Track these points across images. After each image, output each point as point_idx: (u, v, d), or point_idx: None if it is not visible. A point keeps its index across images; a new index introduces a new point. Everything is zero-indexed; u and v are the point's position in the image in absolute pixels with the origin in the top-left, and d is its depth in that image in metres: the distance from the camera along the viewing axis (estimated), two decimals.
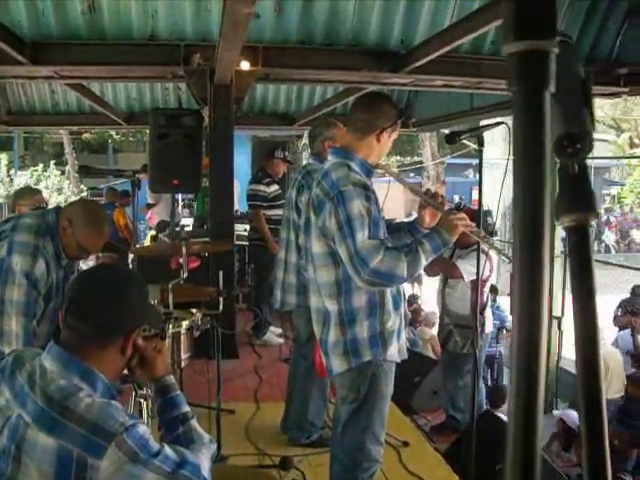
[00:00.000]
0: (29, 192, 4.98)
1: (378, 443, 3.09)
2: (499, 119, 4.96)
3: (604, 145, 26.06)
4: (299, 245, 4.24)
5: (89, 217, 3.01)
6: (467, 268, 5.31)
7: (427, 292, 12.27)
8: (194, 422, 1.96)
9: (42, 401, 1.67)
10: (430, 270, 5.71)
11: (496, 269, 5.80)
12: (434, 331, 9.04)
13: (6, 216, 10.11)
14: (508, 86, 0.55)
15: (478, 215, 3.13)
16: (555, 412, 7.08)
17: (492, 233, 5.54)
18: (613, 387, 7.74)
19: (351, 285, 2.86)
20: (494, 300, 8.39)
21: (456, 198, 19.30)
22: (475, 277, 5.34)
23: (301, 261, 4.21)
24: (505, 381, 8.12)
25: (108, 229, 3.14)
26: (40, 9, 5.44)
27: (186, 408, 1.99)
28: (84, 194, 20.75)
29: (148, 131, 7.10)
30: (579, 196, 0.59)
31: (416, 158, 24.75)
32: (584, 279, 0.57)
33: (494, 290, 6.60)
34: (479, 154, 3.09)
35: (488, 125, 3.27)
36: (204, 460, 1.84)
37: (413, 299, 11.08)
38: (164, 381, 2.01)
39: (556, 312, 10.08)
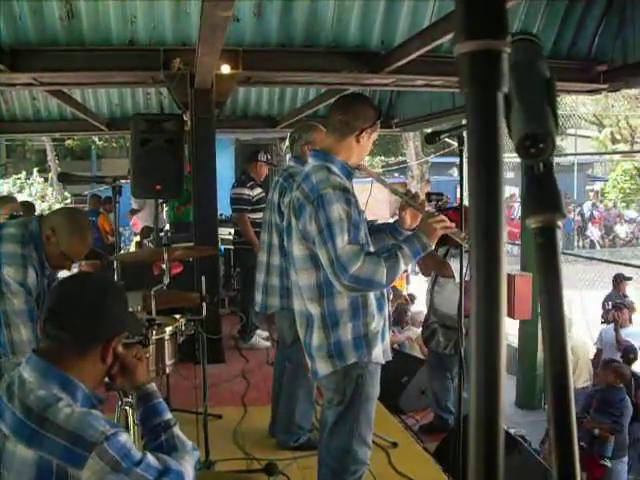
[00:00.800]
0: (4, 200, 4.94)
1: (365, 445, 3.08)
2: None
3: (586, 141, 26.23)
4: (283, 247, 4.22)
5: (72, 226, 3.01)
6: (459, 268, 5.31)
7: (414, 291, 12.30)
8: (177, 429, 1.95)
9: (20, 412, 1.65)
10: (425, 269, 5.70)
11: None
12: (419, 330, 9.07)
13: None
14: (459, 87, 0.54)
15: (461, 214, 3.13)
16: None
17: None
18: (582, 377, 7.83)
19: (333, 288, 2.85)
20: None
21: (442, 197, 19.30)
22: (468, 277, 5.39)
23: (285, 263, 4.19)
24: None
25: (91, 237, 3.14)
26: (17, 15, 5.41)
27: (168, 415, 1.97)
28: (68, 201, 20.64)
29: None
30: (545, 196, 0.58)
31: (400, 158, 24.80)
32: (551, 280, 0.56)
33: None
34: (460, 153, 3.09)
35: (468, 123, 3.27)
36: (187, 467, 1.82)
37: (409, 299, 11.07)
38: (146, 389, 1.99)
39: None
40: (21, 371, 1.75)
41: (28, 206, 7.76)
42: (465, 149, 3.17)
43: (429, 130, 14.23)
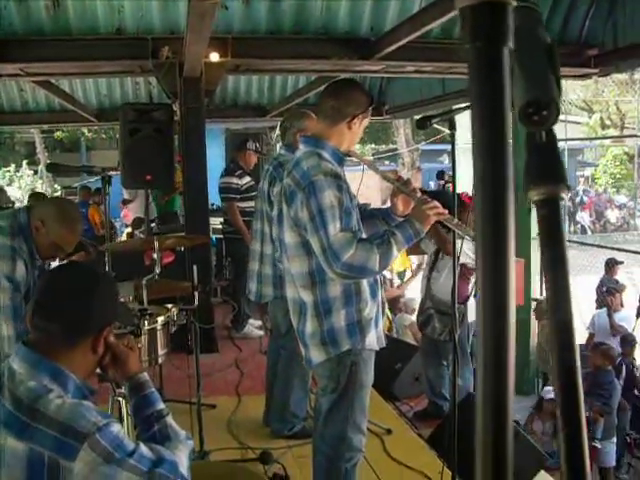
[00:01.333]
0: None
1: (360, 432, 3.07)
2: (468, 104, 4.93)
3: (576, 127, 26.20)
4: (273, 237, 4.20)
5: (61, 215, 2.99)
6: (464, 250, 5.29)
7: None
8: (170, 419, 1.93)
9: (10, 404, 1.63)
10: (412, 249, 5.67)
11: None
12: (413, 317, 9.06)
13: None
14: (461, 44, 0.50)
15: (453, 198, 3.11)
16: (547, 388, 7.15)
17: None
18: None
19: (325, 275, 2.83)
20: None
21: (432, 184, 19.28)
22: (467, 261, 5.38)
23: (276, 253, 4.17)
24: None
25: (81, 226, 3.12)
26: (2, 5, 5.34)
27: (161, 405, 1.95)
28: (58, 193, 20.52)
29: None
30: (548, 167, 0.55)
31: (391, 145, 24.76)
32: (556, 255, 0.54)
33: None
34: (451, 138, 3.06)
35: (459, 108, 3.25)
36: (182, 457, 1.81)
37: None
38: (137, 379, 1.97)
39: (534, 294, 10.16)
40: (10, 363, 1.72)
41: (37, 197, 7.71)
42: (456, 134, 3.15)
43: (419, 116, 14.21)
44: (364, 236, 2.84)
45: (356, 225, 2.85)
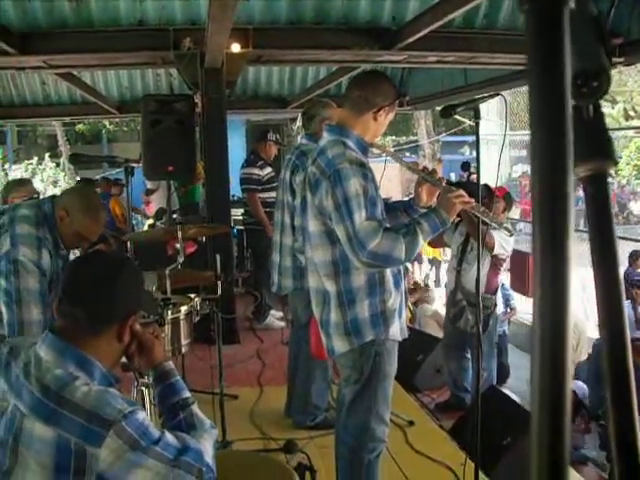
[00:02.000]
0: (20, 184, 4.92)
1: (383, 423, 3.06)
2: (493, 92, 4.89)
3: None
4: (294, 227, 4.18)
5: (85, 204, 3.00)
6: (500, 241, 5.29)
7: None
8: (195, 407, 1.93)
9: (38, 391, 1.63)
10: (437, 241, 5.65)
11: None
12: (435, 307, 9.05)
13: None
14: (519, 5, 0.46)
15: (477, 189, 3.07)
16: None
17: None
18: (585, 350, 7.88)
19: (349, 264, 2.82)
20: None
21: (452, 176, 19.18)
22: (502, 252, 5.36)
23: (296, 244, 4.15)
24: (510, 359, 8.15)
25: (104, 215, 3.15)
26: None
27: (186, 394, 1.95)
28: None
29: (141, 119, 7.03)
30: (595, 142, 0.52)
31: (411, 137, 24.65)
32: (604, 236, 0.51)
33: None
34: (476, 127, 3.03)
35: (483, 97, 3.21)
36: (207, 446, 1.81)
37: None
38: (163, 367, 1.97)
39: None
40: (37, 350, 1.73)
41: (88, 182, 7.71)
42: (483, 123, 3.11)
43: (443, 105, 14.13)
44: (389, 226, 2.83)
45: (381, 214, 2.83)
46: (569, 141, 0.42)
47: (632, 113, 28.88)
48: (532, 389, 0.46)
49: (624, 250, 11.75)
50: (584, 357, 7.90)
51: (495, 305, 5.56)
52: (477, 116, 3.00)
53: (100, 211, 3.07)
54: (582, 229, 15.45)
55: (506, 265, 6.12)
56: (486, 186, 5.18)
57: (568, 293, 0.44)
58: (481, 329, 5.35)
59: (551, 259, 0.43)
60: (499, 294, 5.74)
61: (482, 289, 5.36)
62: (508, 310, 8.48)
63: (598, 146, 0.52)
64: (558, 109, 0.42)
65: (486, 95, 3.38)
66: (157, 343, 1.98)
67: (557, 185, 0.43)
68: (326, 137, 2.97)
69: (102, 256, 2.18)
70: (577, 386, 6.83)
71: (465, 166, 7.37)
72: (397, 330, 2.98)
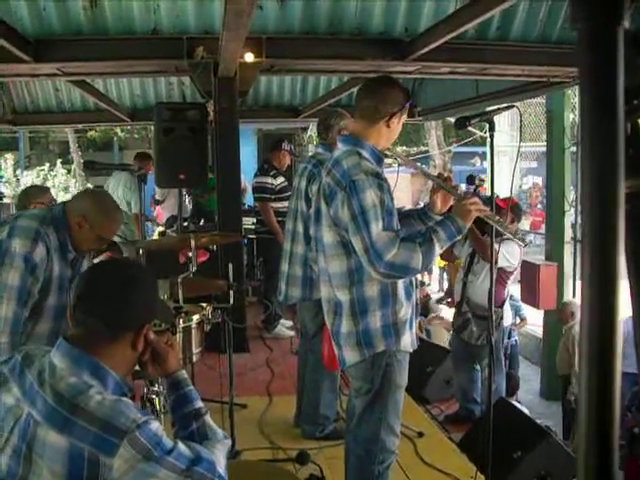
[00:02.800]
0: (43, 190, 4.92)
1: (393, 434, 3.05)
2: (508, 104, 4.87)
3: None
4: (309, 236, 4.16)
5: (102, 207, 3.00)
6: (505, 254, 5.24)
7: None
8: (208, 418, 1.93)
9: (52, 399, 1.63)
10: (447, 254, 5.63)
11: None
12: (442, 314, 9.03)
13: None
14: (571, 22, 0.46)
15: (490, 199, 3.07)
16: None
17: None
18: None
19: (363, 275, 2.81)
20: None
21: (463, 187, 19.16)
22: (505, 264, 5.32)
23: (310, 253, 4.12)
24: (521, 371, 8.12)
25: (120, 213, 3.15)
26: (41, 5, 5.40)
27: (199, 404, 1.95)
28: None
29: (153, 127, 7.05)
30: (634, 160, 0.52)
31: (422, 148, 24.66)
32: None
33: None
34: (490, 138, 3.02)
35: (499, 108, 3.21)
36: (219, 456, 1.80)
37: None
38: (177, 376, 1.97)
39: (567, 298, 10.04)
40: (51, 358, 1.73)
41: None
42: (495, 134, 3.11)
43: (452, 119, 14.12)
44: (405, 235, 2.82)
45: (398, 225, 2.83)
46: (621, 159, 0.42)
47: None
48: (580, 397, 0.46)
49: None
50: None
51: (502, 318, 5.54)
52: (492, 128, 3.00)
53: (116, 210, 3.08)
54: None
55: (515, 277, 6.09)
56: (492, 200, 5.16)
57: (617, 305, 0.43)
58: (485, 342, 5.39)
59: (600, 272, 0.43)
60: (506, 306, 5.72)
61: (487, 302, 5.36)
62: (518, 321, 8.43)
63: (636, 164, 0.52)
64: (609, 125, 0.42)
65: (502, 106, 3.38)
66: (171, 352, 1.97)
67: (608, 199, 0.42)
68: (340, 147, 2.97)
69: (118, 264, 2.18)
70: None
71: (470, 179, 7.37)
72: (408, 341, 2.97)
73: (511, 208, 5.44)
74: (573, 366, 7.73)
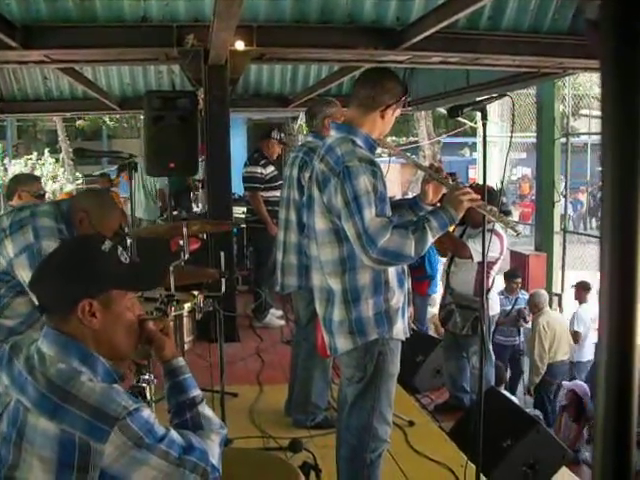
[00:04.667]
0: (31, 179, 4.92)
1: (385, 423, 3.05)
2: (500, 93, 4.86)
3: (600, 121, 25.97)
4: (302, 224, 4.15)
5: (103, 206, 3.11)
6: (478, 248, 5.21)
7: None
8: (203, 407, 1.92)
9: (43, 386, 1.62)
10: (442, 249, 5.62)
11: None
12: (435, 310, 9.01)
13: (1, 204, 10.05)
14: (593, 37, 0.44)
15: (484, 190, 3.07)
16: (565, 383, 7.10)
17: (506, 213, 5.41)
18: (562, 350, 7.84)
19: (356, 263, 2.81)
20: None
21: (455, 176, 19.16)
22: (490, 255, 5.31)
23: (303, 240, 4.11)
24: (526, 370, 8.15)
25: (119, 209, 3.24)
26: None
27: (195, 392, 1.93)
28: (79, 181, 20.60)
29: (142, 116, 7.01)
30: None
31: (411, 138, 24.63)
32: None
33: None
34: (483, 128, 3.02)
35: (491, 97, 3.20)
36: (212, 446, 1.80)
37: None
38: (173, 364, 1.95)
39: (556, 289, 10.09)
40: (39, 345, 1.71)
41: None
42: (482, 125, 3.10)
43: (442, 109, 14.12)
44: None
45: (390, 212, 2.82)
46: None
47: None
48: (598, 397, 0.45)
49: None
50: (563, 357, 7.90)
51: (487, 308, 5.52)
52: (484, 117, 2.99)
53: (117, 209, 3.20)
54: (583, 232, 15.48)
55: (501, 268, 6.08)
56: (492, 189, 5.16)
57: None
58: (470, 332, 5.40)
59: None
60: (493, 296, 5.71)
61: (471, 291, 5.37)
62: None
63: None
64: (630, 139, 0.41)
65: (494, 96, 3.37)
66: (167, 340, 1.96)
67: (628, 188, 0.41)
68: (334, 135, 2.96)
69: (65, 242, 2.19)
70: (582, 389, 6.84)
71: (451, 177, 7.35)
72: (401, 329, 2.97)
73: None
74: (534, 355, 7.87)
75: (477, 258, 5.17)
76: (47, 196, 6.67)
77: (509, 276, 8.54)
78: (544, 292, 8.30)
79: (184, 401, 1.90)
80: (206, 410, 1.93)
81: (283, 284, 4.36)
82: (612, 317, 0.43)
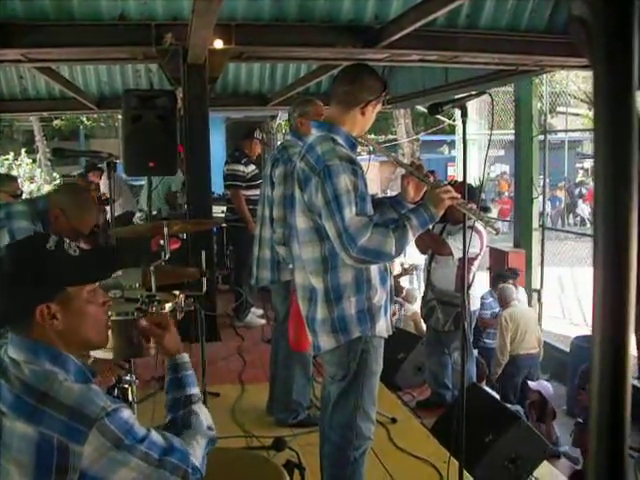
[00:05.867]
0: (8, 179, 4.88)
1: (369, 420, 3.06)
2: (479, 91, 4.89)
3: (578, 119, 26.18)
4: (273, 219, 4.18)
5: (79, 202, 3.07)
6: (457, 245, 5.23)
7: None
8: (198, 406, 1.92)
9: (18, 389, 1.60)
10: (422, 246, 5.64)
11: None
12: (415, 307, 9.04)
13: None
14: (580, 34, 0.45)
15: (464, 187, 3.08)
16: (530, 383, 7.16)
17: (485, 209, 5.42)
18: (529, 343, 7.91)
19: (337, 261, 2.81)
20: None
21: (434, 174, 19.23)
22: (470, 251, 5.34)
23: (275, 235, 4.16)
24: None
25: (96, 207, 3.19)
26: None
27: (192, 390, 1.94)
28: (57, 182, 20.43)
29: (120, 115, 6.96)
30: None
31: (390, 136, 24.69)
32: None
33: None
34: (463, 124, 3.03)
35: (471, 95, 3.21)
36: (196, 448, 1.79)
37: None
38: (175, 359, 1.98)
39: (535, 285, 10.16)
40: (8, 353, 1.68)
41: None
42: (460, 123, 3.11)
43: (421, 107, 14.16)
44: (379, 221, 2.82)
45: (371, 210, 2.82)
46: (636, 143, 0.41)
47: None
48: (592, 393, 0.45)
49: None
50: (531, 350, 7.96)
51: (468, 303, 5.55)
52: (464, 114, 3.00)
53: (93, 205, 3.19)
54: (562, 229, 15.60)
55: (481, 264, 6.11)
56: (471, 186, 5.17)
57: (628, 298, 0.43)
58: (452, 327, 5.43)
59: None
60: (473, 292, 5.74)
61: (452, 287, 5.39)
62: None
63: None
64: (626, 103, 0.41)
65: (473, 93, 3.39)
66: (167, 335, 1.96)
67: (621, 186, 0.42)
68: (314, 133, 2.95)
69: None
70: (547, 390, 6.91)
71: (431, 175, 7.42)
72: (383, 327, 2.97)
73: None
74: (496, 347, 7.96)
75: (457, 255, 5.19)
76: (24, 197, 6.61)
77: (499, 277, 8.62)
78: (511, 286, 8.35)
79: (180, 397, 1.92)
80: (201, 410, 1.93)
81: (257, 277, 4.43)
82: (605, 313, 0.44)
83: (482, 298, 7.93)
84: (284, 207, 4.08)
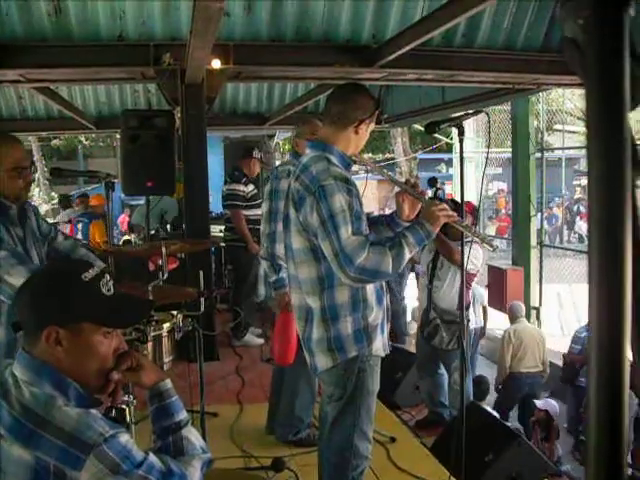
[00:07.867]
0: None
1: (366, 439, 3.04)
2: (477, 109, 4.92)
3: (573, 136, 26.30)
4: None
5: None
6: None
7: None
8: (186, 431, 1.86)
9: (17, 412, 1.58)
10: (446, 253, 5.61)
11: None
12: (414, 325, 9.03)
13: None
14: (576, 13, 0.45)
15: (461, 205, 3.09)
16: (537, 402, 7.13)
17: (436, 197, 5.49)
18: (529, 362, 7.90)
19: (334, 281, 2.80)
20: None
21: (429, 193, 19.28)
22: (472, 267, 5.34)
23: (261, 250, 4.24)
24: (487, 372, 8.16)
25: (19, 145, 3.07)
26: (3, 10, 5.33)
27: (180, 416, 1.88)
28: (55, 202, 20.43)
29: (118, 135, 6.98)
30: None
31: (388, 155, 24.74)
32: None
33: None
34: (460, 143, 3.04)
35: (468, 113, 3.23)
36: (193, 472, 1.77)
37: None
38: (157, 388, 1.90)
39: (534, 302, 10.16)
40: (13, 370, 1.68)
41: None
42: (458, 142, 3.12)
43: (418, 125, 14.22)
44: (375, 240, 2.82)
45: (367, 229, 2.82)
46: (628, 149, 0.42)
47: None
48: (590, 405, 0.45)
49: None
50: (531, 369, 7.96)
51: (468, 320, 5.56)
52: (462, 132, 3.02)
53: (12, 139, 3.03)
54: (560, 246, 15.59)
55: (478, 280, 6.13)
56: (453, 201, 5.18)
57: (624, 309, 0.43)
58: (455, 346, 5.42)
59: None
60: (471, 309, 5.75)
61: (454, 306, 5.39)
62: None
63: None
64: (618, 119, 0.42)
65: (470, 112, 3.41)
66: (142, 373, 1.89)
67: (614, 200, 0.42)
68: (308, 153, 2.96)
69: (42, 269, 2.13)
70: (553, 409, 6.90)
71: (432, 181, 7.46)
72: (380, 346, 2.97)
73: (470, 212, 5.50)
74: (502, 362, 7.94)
75: (467, 266, 5.19)
76: None
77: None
78: (521, 304, 8.38)
79: (169, 425, 1.86)
80: (191, 433, 1.89)
81: (259, 293, 4.44)
82: (601, 329, 0.44)
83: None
84: (269, 222, 4.15)
